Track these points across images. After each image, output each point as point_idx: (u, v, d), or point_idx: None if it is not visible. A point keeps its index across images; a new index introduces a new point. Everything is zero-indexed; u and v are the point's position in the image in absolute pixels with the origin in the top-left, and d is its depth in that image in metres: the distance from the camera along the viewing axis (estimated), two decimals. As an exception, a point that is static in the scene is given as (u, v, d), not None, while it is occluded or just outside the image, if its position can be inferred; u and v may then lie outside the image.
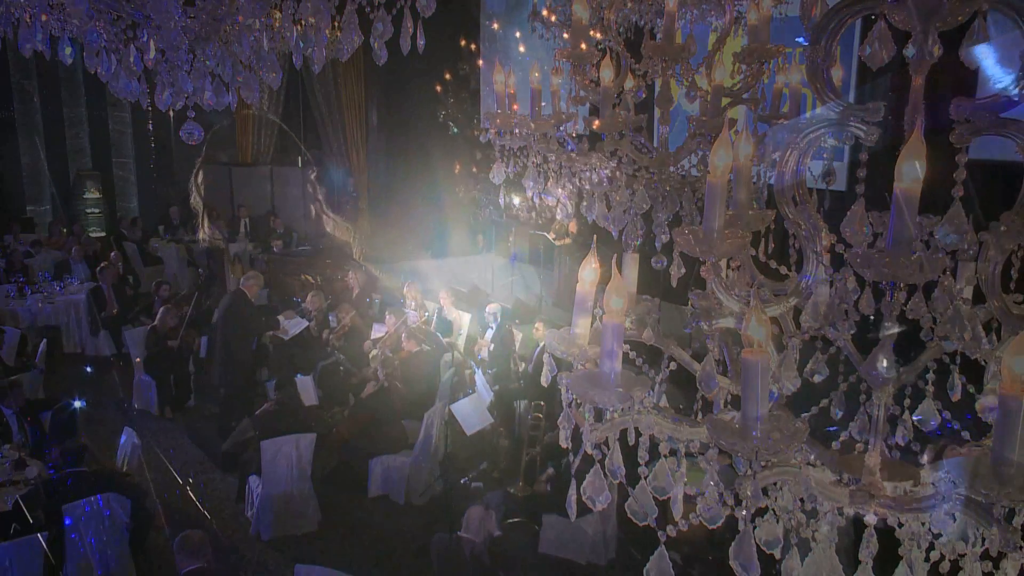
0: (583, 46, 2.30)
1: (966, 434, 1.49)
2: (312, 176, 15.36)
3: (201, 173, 14.82)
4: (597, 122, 2.40)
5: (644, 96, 2.72)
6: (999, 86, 1.42)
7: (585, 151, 2.46)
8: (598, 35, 2.29)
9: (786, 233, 1.63)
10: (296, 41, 4.02)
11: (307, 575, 5.00)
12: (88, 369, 10.39)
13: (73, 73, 15.24)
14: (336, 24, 3.93)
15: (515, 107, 2.46)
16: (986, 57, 1.46)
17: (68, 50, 4.15)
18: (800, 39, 2.27)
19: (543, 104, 2.39)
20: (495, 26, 12.70)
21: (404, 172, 15.07)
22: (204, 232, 14.75)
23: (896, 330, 1.39)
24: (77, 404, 6.67)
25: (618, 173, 2.36)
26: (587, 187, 2.48)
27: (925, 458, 1.45)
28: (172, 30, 3.63)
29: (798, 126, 1.54)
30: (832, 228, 1.52)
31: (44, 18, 3.99)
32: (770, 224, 1.67)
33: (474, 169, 13.85)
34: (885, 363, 1.41)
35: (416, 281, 10.46)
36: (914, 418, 1.61)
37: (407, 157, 15.07)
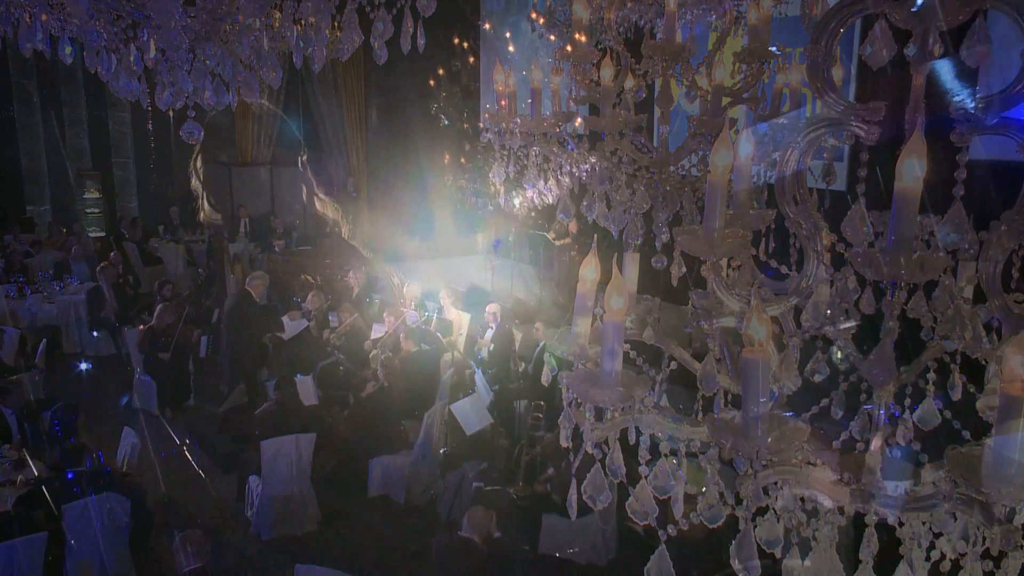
0: (569, 48, 2.30)
1: (966, 434, 1.49)
2: (303, 159, 15.43)
3: (200, 158, 14.87)
4: (580, 120, 2.39)
5: (644, 96, 2.72)
6: (956, 99, 1.43)
7: (585, 151, 2.45)
8: (583, 38, 2.29)
9: (786, 233, 1.63)
10: (296, 41, 4.03)
11: (307, 575, 5.00)
12: (89, 366, 10.39)
13: (73, 73, 15.22)
14: (336, 24, 3.93)
15: (503, 103, 2.45)
16: (945, 71, 1.46)
17: (68, 50, 4.15)
18: (774, 48, 2.26)
19: (530, 102, 2.38)
20: (487, 26, 12.75)
21: (402, 166, 15.17)
22: (204, 213, 14.80)
23: (850, 325, 1.41)
24: (83, 366, 6.64)
25: (598, 168, 2.36)
26: (568, 181, 2.48)
27: (873, 445, 1.45)
28: (172, 29, 3.63)
29: (798, 125, 1.54)
30: (832, 227, 1.52)
31: (44, 18, 3.98)
32: (770, 224, 1.67)
33: (462, 160, 14.02)
34: (841, 355, 1.43)
35: (415, 281, 10.47)
36: (913, 419, 1.61)
37: (404, 150, 15.17)
